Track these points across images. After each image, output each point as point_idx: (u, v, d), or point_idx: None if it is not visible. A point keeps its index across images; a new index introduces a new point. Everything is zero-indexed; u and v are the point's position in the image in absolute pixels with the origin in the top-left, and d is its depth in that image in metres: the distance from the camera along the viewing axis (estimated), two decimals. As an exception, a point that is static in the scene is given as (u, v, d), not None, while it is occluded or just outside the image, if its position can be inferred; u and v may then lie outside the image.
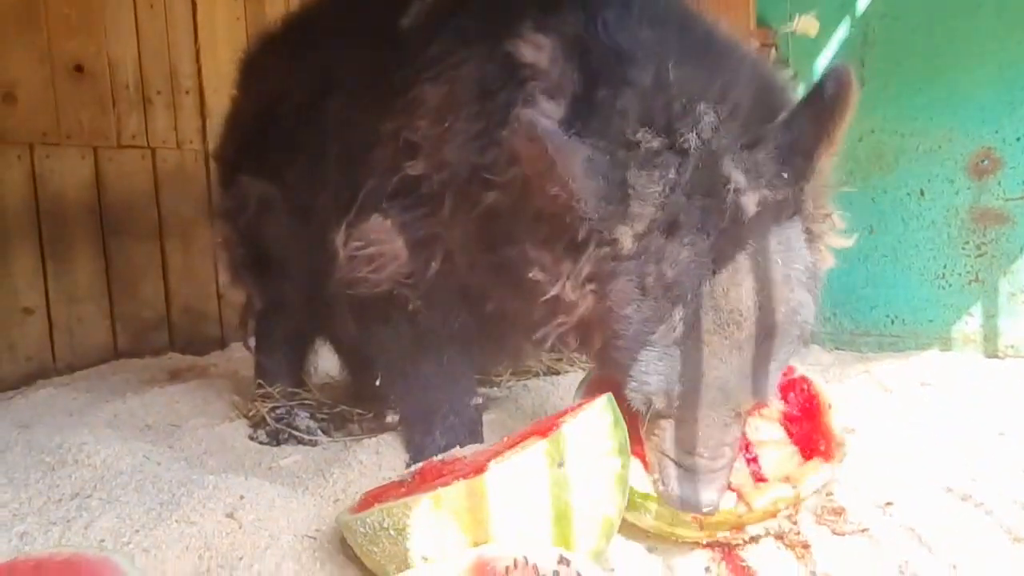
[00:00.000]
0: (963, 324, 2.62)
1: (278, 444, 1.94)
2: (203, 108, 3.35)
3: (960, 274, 2.62)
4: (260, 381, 2.15)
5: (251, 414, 2.07)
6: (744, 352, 1.17)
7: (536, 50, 1.30)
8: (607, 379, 1.43)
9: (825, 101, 1.14)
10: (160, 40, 3.23)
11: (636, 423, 1.25)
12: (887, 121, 2.69)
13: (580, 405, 1.19)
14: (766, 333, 1.17)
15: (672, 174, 1.15)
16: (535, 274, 1.24)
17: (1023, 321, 2.50)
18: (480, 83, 1.38)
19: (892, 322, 2.77)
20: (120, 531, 1.28)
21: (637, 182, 1.15)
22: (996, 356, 2.51)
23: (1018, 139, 2.47)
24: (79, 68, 2.97)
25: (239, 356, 3.14)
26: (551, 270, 1.23)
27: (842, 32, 2.83)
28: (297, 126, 1.85)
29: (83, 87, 2.98)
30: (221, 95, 3.29)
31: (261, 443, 1.95)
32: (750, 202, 1.15)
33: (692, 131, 1.16)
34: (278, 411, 2.02)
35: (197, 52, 3.33)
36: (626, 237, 1.16)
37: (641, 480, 1.28)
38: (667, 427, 1.22)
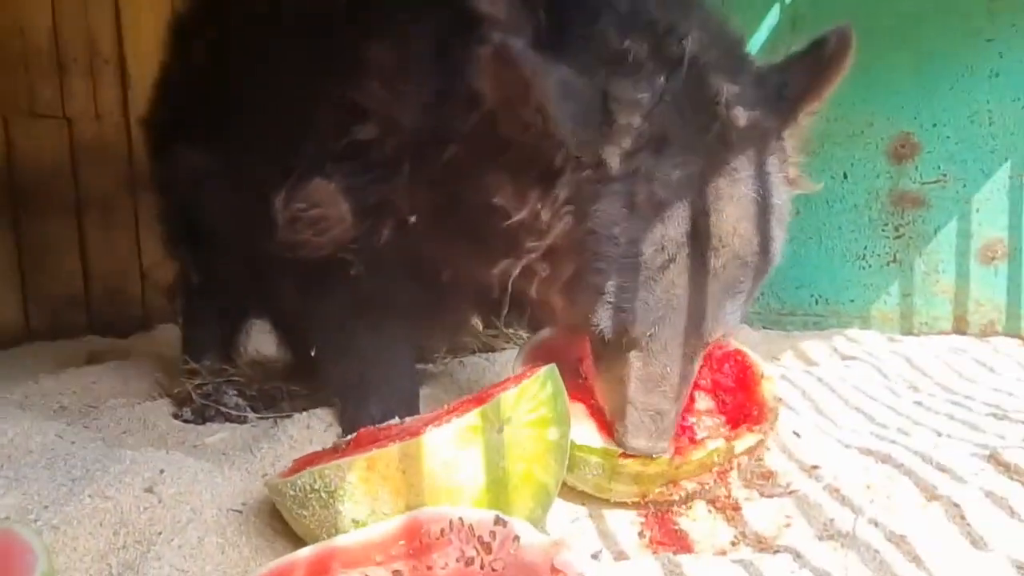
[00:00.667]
0: (881, 303, 2.73)
1: (204, 422, 1.86)
2: (124, 78, 3.19)
3: (879, 255, 2.73)
4: (186, 357, 2.07)
5: (176, 392, 1.98)
6: (720, 280, 1.16)
7: (492, 1, 1.26)
8: (548, 348, 1.43)
9: (825, 53, 1.17)
10: (77, 4, 3.06)
11: (588, 368, 1.25)
12: (814, 106, 2.77)
13: (522, 375, 1.18)
14: (743, 262, 1.17)
15: (661, 81, 1.13)
16: (499, 199, 1.19)
17: (936, 300, 2.62)
18: (435, 40, 1.34)
19: (816, 302, 2.86)
20: (27, 508, 1.21)
21: (623, 93, 1.12)
22: (911, 333, 2.63)
23: (934, 125, 2.58)
24: (-14, 30, 2.79)
25: (163, 337, 3.02)
26: (518, 195, 1.18)
27: (772, 19, 2.90)
28: (233, 89, 1.77)
29: (-10, 51, 2.81)
30: (144, 65, 3.14)
31: (186, 421, 1.87)
32: (740, 117, 1.14)
33: (682, 40, 1.14)
34: (205, 388, 1.94)
35: (118, 19, 3.17)
36: (613, 157, 1.12)
37: (584, 434, 1.28)
38: (632, 362, 1.20)
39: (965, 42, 2.50)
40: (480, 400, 1.15)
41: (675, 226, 1.12)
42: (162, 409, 1.95)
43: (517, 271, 1.22)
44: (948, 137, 2.55)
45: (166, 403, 2.00)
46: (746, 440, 1.35)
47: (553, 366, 1.17)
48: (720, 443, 1.30)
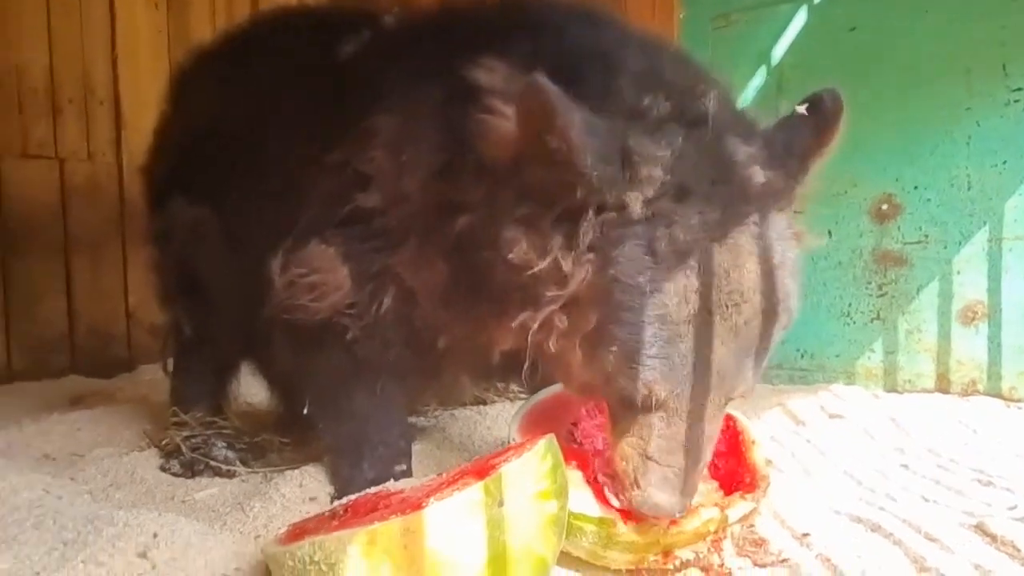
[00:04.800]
0: (866, 359, 2.78)
1: (193, 475, 1.84)
2: (119, 119, 3.21)
3: (863, 312, 2.79)
4: (175, 408, 2.04)
5: (164, 443, 1.96)
6: (741, 336, 1.15)
7: (490, 72, 1.27)
8: (543, 412, 1.43)
9: (824, 112, 1.22)
10: (75, 46, 3.08)
11: (584, 433, 1.24)
12: (800, 165, 2.84)
13: (521, 445, 1.18)
14: (763, 317, 1.17)
15: (681, 141, 1.15)
16: (517, 252, 1.17)
17: (919, 357, 2.67)
18: (440, 114, 1.36)
19: (802, 356, 2.90)
20: (20, 574, 1.19)
21: (644, 148, 1.13)
22: (895, 390, 2.67)
23: (916, 187, 2.66)
24: (-17, 70, 2.80)
25: (148, 379, 2.99)
26: (537, 245, 1.16)
27: (758, 80, 2.99)
28: (234, 148, 1.79)
29: (-14, 91, 2.81)
30: (139, 107, 3.17)
31: (174, 474, 1.85)
32: (756, 177, 1.17)
33: (704, 99, 1.18)
34: (194, 440, 1.92)
35: (115, 61, 3.20)
36: (636, 202, 1.12)
37: (580, 502, 1.28)
38: (654, 421, 1.18)
39: (945, 109, 2.59)
40: (480, 471, 1.15)
41: (699, 277, 1.12)
42: (149, 461, 1.93)
43: (536, 325, 1.19)
44: (929, 200, 2.63)
45: (153, 454, 1.97)
46: (739, 508, 1.36)
47: (552, 437, 1.18)
48: (715, 512, 1.31)
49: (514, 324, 1.22)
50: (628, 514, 1.28)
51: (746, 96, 3.01)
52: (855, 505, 1.58)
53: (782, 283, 1.19)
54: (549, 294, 1.17)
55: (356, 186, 1.42)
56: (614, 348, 1.14)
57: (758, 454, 1.45)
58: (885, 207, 2.72)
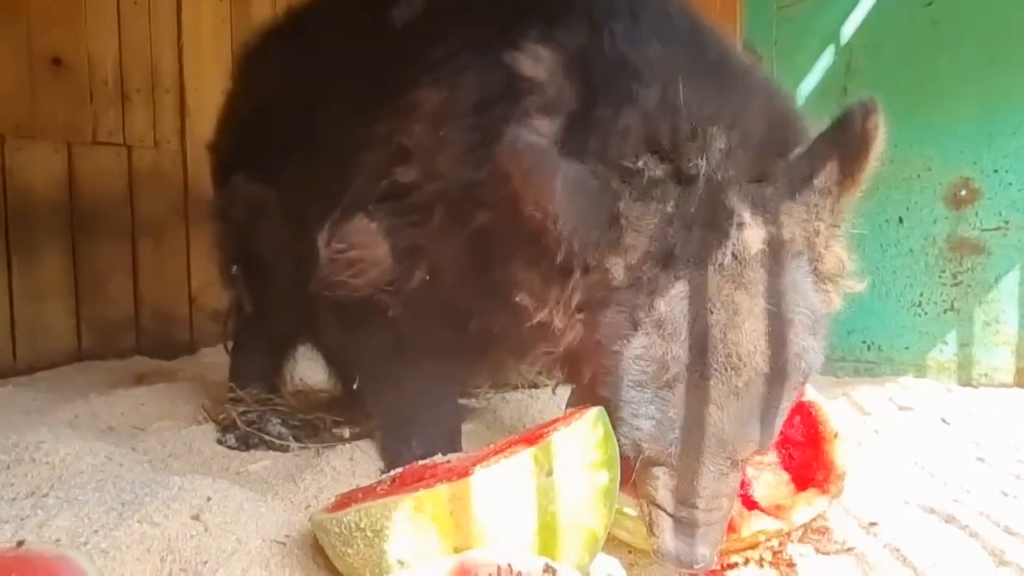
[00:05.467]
0: (938, 352, 2.64)
1: (247, 449, 1.87)
2: (183, 107, 3.30)
3: (936, 302, 2.65)
4: (232, 384, 2.08)
5: (221, 418, 2.00)
6: (743, 398, 1.09)
7: (535, 63, 1.23)
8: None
9: (852, 137, 1.09)
10: (142, 36, 3.18)
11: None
12: (868, 149, 2.72)
13: (571, 415, 1.15)
14: (767, 378, 1.09)
15: (671, 207, 1.09)
16: (522, 298, 1.17)
17: (997, 351, 2.52)
18: (479, 93, 1.32)
19: (868, 348, 2.78)
20: (78, 531, 1.21)
21: (631, 213, 1.08)
22: (970, 384, 2.53)
23: (995, 171, 2.51)
24: (57, 61, 2.91)
25: (208, 361, 3.07)
26: (539, 295, 1.15)
27: (826, 60, 2.88)
28: (293, 123, 1.80)
29: (60, 80, 2.92)
30: (203, 95, 3.26)
31: (230, 447, 1.88)
32: (755, 239, 1.09)
33: (699, 158, 1.09)
34: (249, 415, 1.95)
35: (180, 51, 3.29)
36: (618, 268, 1.09)
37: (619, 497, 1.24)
38: (660, 475, 1.14)
39: (1029, 87, 2.44)
40: (528, 440, 1.12)
41: (679, 344, 1.07)
42: (207, 434, 1.97)
43: (540, 368, 1.21)
44: (1010, 184, 2.48)
45: (211, 428, 2.01)
46: (802, 515, 1.29)
47: (602, 408, 1.14)
48: (770, 523, 1.25)
49: (524, 362, 1.27)
50: None
51: (813, 80, 2.91)
52: (927, 496, 1.49)
53: (793, 340, 1.11)
54: (545, 348, 1.18)
55: (398, 159, 1.40)
56: (605, 405, 1.13)
57: (839, 450, 1.36)
58: (962, 192, 2.58)
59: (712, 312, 1.07)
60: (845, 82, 2.80)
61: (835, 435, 1.38)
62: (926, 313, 2.66)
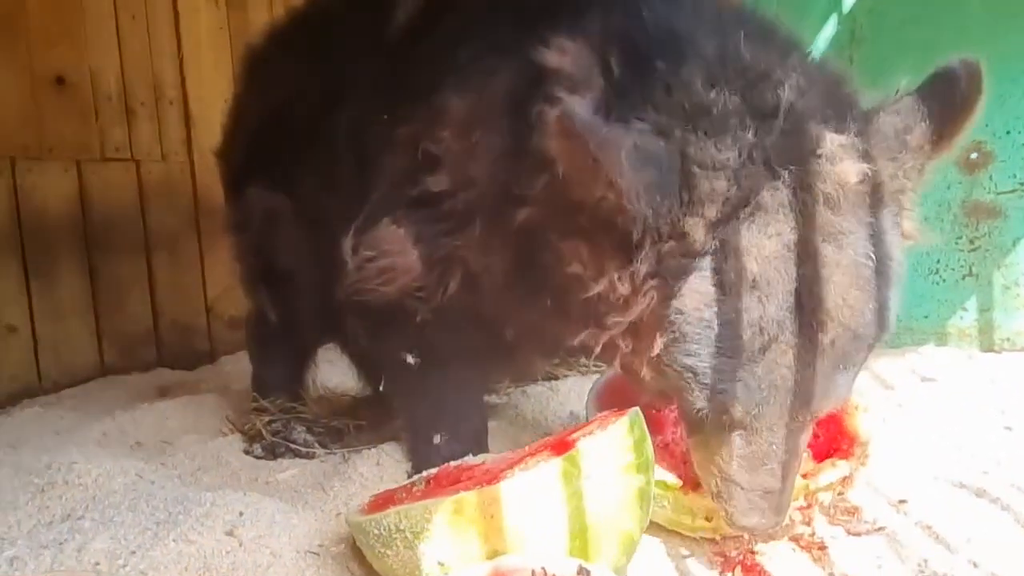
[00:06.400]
0: (958, 319, 2.62)
1: (275, 458, 1.89)
2: (188, 118, 3.30)
3: (954, 269, 2.62)
4: (256, 394, 2.10)
5: (246, 428, 2.02)
6: (829, 355, 1.04)
7: (560, 55, 1.19)
8: (620, 385, 1.38)
9: (952, 96, 1.05)
10: (142, 50, 3.17)
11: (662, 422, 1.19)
12: (877, 118, 2.68)
13: (606, 417, 1.15)
14: (854, 335, 1.04)
15: (750, 137, 1.00)
16: (574, 268, 1.10)
17: (1018, 315, 2.49)
18: (510, 95, 1.28)
19: (887, 319, 2.76)
20: (115, 553, 1.24)
21: (704, 155, 1.00)
22: (992, 350, 2.51)
23: (1008, 132, 2.47)
24: (60, 80, 2.91)
25: (229, 370, 3.09)
26: (595, 265, 1.09)
27: (829, 29, 2.83)
28: (307, 128, 1.78)
29: (64, 99, 2.93)
30: (205, 104, 3.26)
31: (257, 457, 1.90)
32: (852, 171, 1.02)
33: (777, 89, 1.03)
34: (275, 424, 1.97)
35: (181, 61, 3.28)
36: (697, 228, 1.01)
37: (659, 469, 1.24)
38: (734, 440, 1.11)
39: (1039, 45, 2.40)
40: (563, 444, 1.13)
41: (774, 304, 1.00)
42: (233, 445, 1.99)
43: (599, 346, 1.14)
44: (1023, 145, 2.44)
45: (237, 439, 2.03)
46: (827, 475, 1.30)
47: (637, 410, 1.13)
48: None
49: (575, 342, 1.18)
50: (698, 483, 1.24)
51: (817, 50, 2.86)
52: (955, 470, 1.49)
53: (878, 295, 1.06)
54: (610, 319, 1.10)
55: (425, 166, 1.37)
56: (684, 372, 1.07)
57: (861, 421, 1.37)
58: (975, 156, 2.54)
59: (808, 264, 1.01)
60: (851, 51, 2.76)
61: (857, 407, 1.38)
62: (944, 280, 2.63)
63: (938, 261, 2.64)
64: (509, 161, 1.25)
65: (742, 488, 1.12)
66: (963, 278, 2.60)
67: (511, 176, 1.23)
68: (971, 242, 2.57)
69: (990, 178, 2.52)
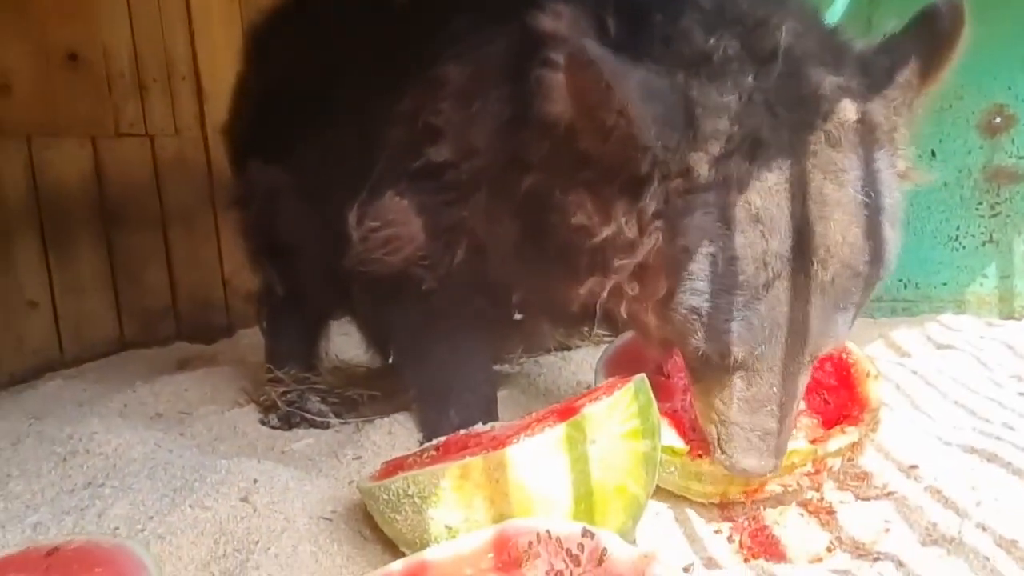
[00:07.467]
0: (978, 286, 2.58)
1: (290, 428, 1.92)
2: (200, 93, 3.31)
3: (974, 235, 2.58)
4: (270, 366, 2.13)
5: (262, 399, 2.05)
6: (830, 293, 1.07)
7: (555, 19, 1.19)
8: (630, 352, 1.39)
9: (938, 29, 1.09)
10: (154, 25, 3.18)
11: (673, 367, 1.20)
12: (896, 81, 2.63)
13: (612, 384, 1.16)
14: (854, 272, 1.07)
15: (750, 80, 1.04)
16: (581, 218, 1.13)
17: (1040, 281, 2.46)
18: (508, 63, 1.29)
19: (905, 286, 2.73)
20: (134, 518, 1.27)
21: (707, 96, 1.04)
22: (1012, 317, 2.48)
23: (1031, 95, 2.42)
24: (73, 56, 2.93)
25: (246, 343, 3.13)
26: (602, 211, 1.11)
27: (848, -8, 2.77)
28: (311, 102, 1.78)
29: (78, 76, 2.94)
30: (218, 79, 3.26)
31: (273, 427, 1.94)
32: (850, 110, 1.05)
33: (775, 34, 1.06)
34: (289, 395, 2.00)
35: (192, 36, 3.28)
36: (701, 163, 1.04)
37: (667, 435, 1.25)
38: (735, 382, 1.13)
39: (1064, 4, 2.33)
40: (569, 410, 1.13)
41: (777, 239, 1.03)
42: (249, 416, 2.02)
43: (606, 292, 1.15)
44: (1047, 107, 2.39)
45: (253, 410, 2.07)
46: (837, 440, 1.29)
47: (643, 376, 1.14)
48: (801, 444, 1.25)
49: (582, 290, 1.19)
50: (706, 448, 1.24)
51: (834, 12, 2.80)
52: (968, 435, 1.48)
53: (877, 233, 1.08)
54: (616, 262, 1.12)
55: (426, 138, 1.38)
56: (688, 314, 1.09)
57: (873, 387, 1.36)
58: (997, 119, 2.49)
59: (809, 201, 1.04)
60: (869, 13, 2.70)
61: (868, 374, 1.38)
62: (964, 247, 2.59)
63: (958, 227, 2.60)
64: (510, 128, 1.26)
65: (741, 429, 1.14)
66: (983, 244, 2.56)
67: (513, 143, 1.24)
68: (992, 208, 2.53)
69: (1012, 142, 2.47)
